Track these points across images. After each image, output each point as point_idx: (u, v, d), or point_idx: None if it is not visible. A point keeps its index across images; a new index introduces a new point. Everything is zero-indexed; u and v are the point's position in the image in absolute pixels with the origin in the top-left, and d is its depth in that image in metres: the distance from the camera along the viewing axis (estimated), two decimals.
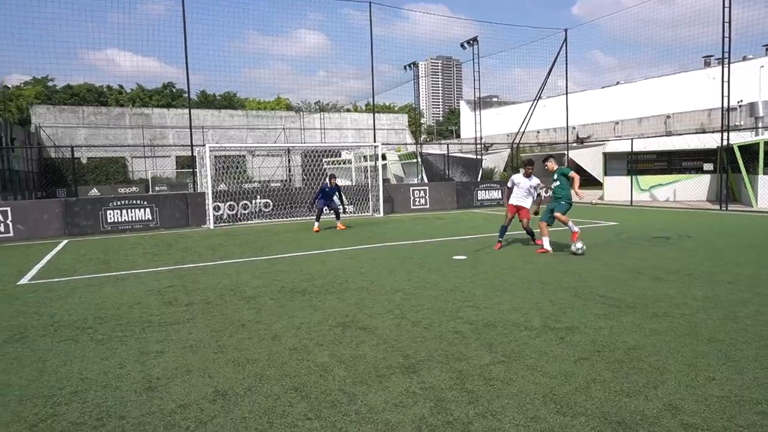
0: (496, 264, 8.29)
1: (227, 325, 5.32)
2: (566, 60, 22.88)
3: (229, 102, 66.02)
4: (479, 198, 21.07)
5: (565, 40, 22.49)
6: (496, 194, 21.46)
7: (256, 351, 4.50)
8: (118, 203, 15.00)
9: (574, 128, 47.55)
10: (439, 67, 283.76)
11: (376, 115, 70.91)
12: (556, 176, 9.53)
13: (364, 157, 37.47)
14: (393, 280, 7.31)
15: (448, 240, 11.41)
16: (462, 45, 28.26)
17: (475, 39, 27.22)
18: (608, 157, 24.49)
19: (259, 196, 16.97)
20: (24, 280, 8.11)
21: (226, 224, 15.99)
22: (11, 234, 13.66)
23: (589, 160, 37.87)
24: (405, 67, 32.11)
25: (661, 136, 34.81)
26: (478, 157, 37.75)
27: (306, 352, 4.44)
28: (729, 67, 17.36)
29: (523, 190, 9.96)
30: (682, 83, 37.13)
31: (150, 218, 15.32)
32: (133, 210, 15.12)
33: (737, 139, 21.45)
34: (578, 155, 37.71)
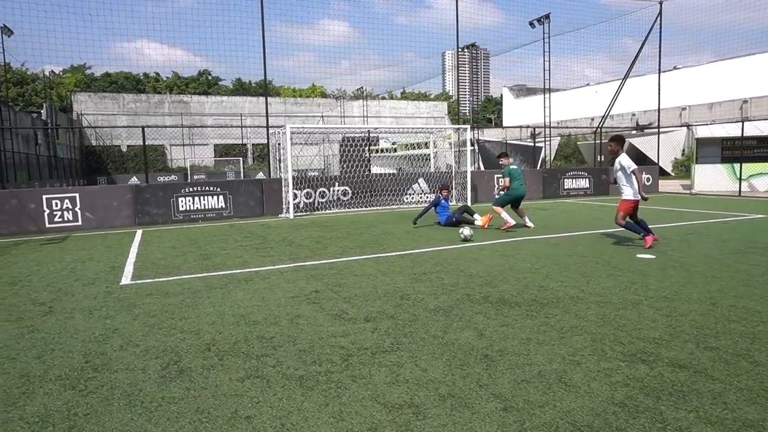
0: (696, 263, 6.57)
1: (458, 354, 3.76)
2: (660, 35, 20.72)
3: (265, 90, 64.81)
4: (566, 187, 19.23)
5: (660, 13, 20.34)
6: (584, 183, 19.59)
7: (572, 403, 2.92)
8: (190, 190, 13.63)
9: (633, 114, 45.07)
10: (467, 57, 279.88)
11: (415, 102, 68.97)
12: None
13: (410, 145, 35.78)
14: (597, 286, 5.67)
15: (589, 234, 9.69)
16: (531, 23, 26.25)
17: (547, 16, 25.19)
18: (700, 143, 22.33)
19: (337, 184, 15.45)
20: (126, 280, 6.70)
21: (305, 213, 14.53)
22: (80, 222, 12.40)
23: (654, 147, 35.59)
24: (463, 49, 30.05)
25: (736, 121, 32.31)
26: (538, 144, 35.74)
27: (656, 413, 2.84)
28: None
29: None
30: (758, 65, 34.43)
31: (223, 206, 13.93)
32: (205, 197, 13.74)
33: None
34: (642, 143, 35.46)
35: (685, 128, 36.98)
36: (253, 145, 53.00)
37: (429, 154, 34.23)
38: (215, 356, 3.92)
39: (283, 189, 14.40)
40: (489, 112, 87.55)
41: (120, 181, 35.97)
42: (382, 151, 37.09)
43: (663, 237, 8.87)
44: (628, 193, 8.12)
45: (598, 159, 25.24)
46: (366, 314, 4.88)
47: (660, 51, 20.76)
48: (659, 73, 21.96)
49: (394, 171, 26.57)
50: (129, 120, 47.10)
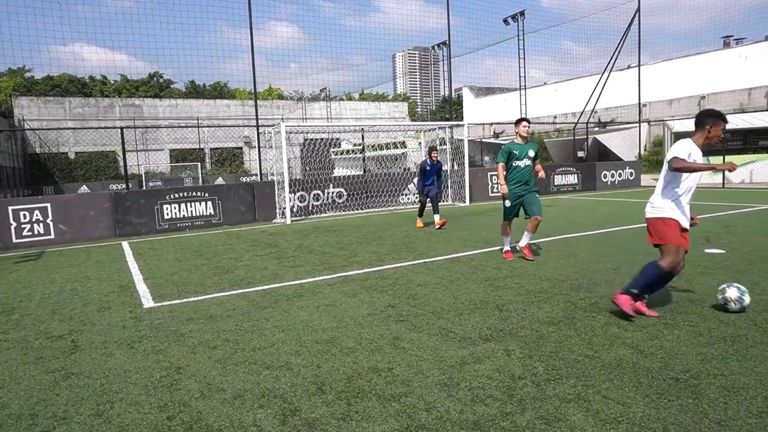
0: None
1: (642, 379, 3.05)
2: (639, 32, 20.84)
3: (219, 92, 62.66)
4: (556, 183, 18.99)
5: (638, 10, 20.44)
6: (572, 179, 19.42)
7: None
8: (176, 196, 12.40)
9: (595, 112, 45.97)
10: (417, 58, 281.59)
11: (375, 103, 68.44)
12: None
13: (386, 145, 35.10)
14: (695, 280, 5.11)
15: (625, 230, 9.25)
16: (505, 20, 26.10)
17: (521, 13, 25.06)
18: (676, 137, 22.67)
19: (331, 185, 14.53)
20: (148, 302, 5.65)
21: (300, 218, 13.53)
22: (53, 236, 10.98)
23: (619, 143, 36.32)
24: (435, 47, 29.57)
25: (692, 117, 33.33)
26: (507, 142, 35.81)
27: None
28: None
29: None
30: (712, 63, 35.68)
31: (212, 213, 12.77)
32: (193, 204, 12.54)
33: None
34: (607, 139, 36.09)
35: (645, 124, 37.97)
36: (211, 149, 51.03)
37: (398, 155, 33.64)
38: (339, 400, 3.06)
39: (276, 193, 13.36)
40: (447, 112, 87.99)
41: (68, 191, 33.48)
42: (349, 152, 36.21)
43: (707, 230, 8.51)
44: None
45: (579, 155, 25.31)
46: (478, 332, 4.11)
47: (639, 45, 20.89)
48: (639, 69, 22.19)
49: (360, 173, 25.79)
50: (76, 125, 44.21)
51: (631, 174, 21.29)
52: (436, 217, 10.54)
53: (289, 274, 6.69)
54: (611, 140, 35.67)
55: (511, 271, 6.27)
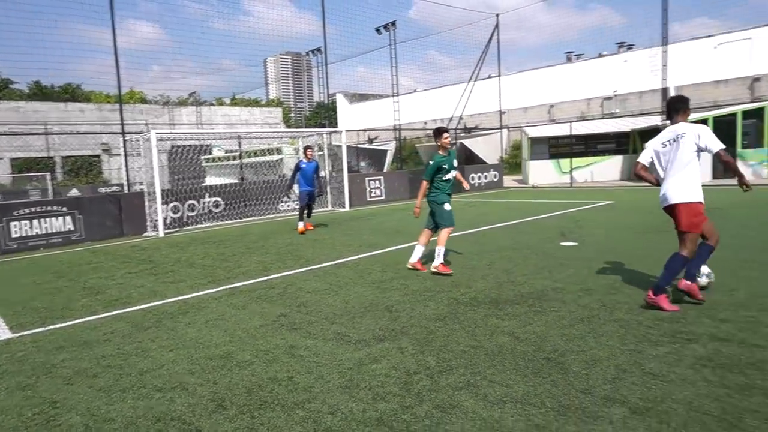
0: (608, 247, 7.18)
1: (520, 361, 3.44)
2: (498, 45, 22.71)
3: (72, 95, 56.79)
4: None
5: (497, 25, 22.30)
6: None
7: None
8: (27, 211, 11.09)
9: (461, 118, 49.05)
10: (289, 63, 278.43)
11: (248, 109, 66.49)
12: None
13: (261, 151, 34.37)
14: (560, 274, 5.80)
15: (493, 228, 10.08)
16: (378, 30, 26.91)
17: (393, 23, 26.04)
18: (532, 142, 25.06)
19: (207, 195, 13.93)
20: (5, 334, 5.04)
21: (174, 230, 12.79)
22: None
23: (483, 147, 39.07)
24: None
25: (545, 123, 37.06)
26: (384, 148, 36.95)
27: None
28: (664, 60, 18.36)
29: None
30: (558, 75, 39.94)
31: (71, 228, 11.60)
32: (47, 219, 11.30)
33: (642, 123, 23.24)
34: (472, 144, 38.74)
35: (505, 130, 41.39)
36: (62, 157, 46.08)
37: (274, 161, 33.08)
38: (241, 414, 3.03)
39: (146, 204, 12.51)
40: (321, 118, 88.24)
41: None
42: (221, 159, 34.88)
43: (562, 226, 9.58)
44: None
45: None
46: (372, 333, 4.28)
47: (499, 58, 22.77)
48: (499, 79, 24.10)
49: (236, 180, 25.05)
50: None
51: (495, 176, 23.12)
52: (307, 222, 10.83)
53: (170, 291, 6.36)
54: (476, 145, 38.32)
55: (396, 273, 6.56)
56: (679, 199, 4.42)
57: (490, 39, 22.15)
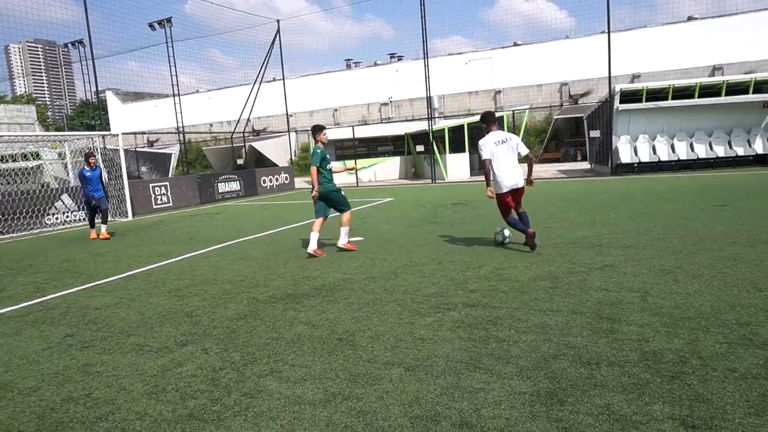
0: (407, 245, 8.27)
1: (318, 346, 3.93)
2: (281, 49, 23.14)
3: None
4: (220, 191, 19.56)
5: (278, 31, 22.72)
6: (235, 185, 20.31)
7: None
8: None
9: (249, 120, 48.29)
10: (40, 53, 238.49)
11: None
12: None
13: (12, 156, 29.36)
14: (349, 266, 6.52)
15: (287, 229, 10.51)
16: (151, 25, 25.11)
17: (168, 20, 24.55)
18: None
19: None
20: None
21: None
22: None
23: (273, 150, 39.52)
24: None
25: (331, 127, 38.98)
26: (168, 152, 34.68)
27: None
28: (427, 69, 20.94)
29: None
30: (341, 81, 42.27)
31: None
32: None
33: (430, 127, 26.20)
34: (262, 146, 38.81)
35: (293, 133, 42.26)
36: None
37: (31, 168, 28.67)
38: None
39: None
40: (87, 117, 78.22)
41: None
42: None
43: None
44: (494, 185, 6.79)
45: (239, 162, 26.42)
46: (174, 339, 4.33)
47: (282, 62, 23.28)
48: (284, 82, 24.60)
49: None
50: None
51: (287, 178, 23.64)
52: (103, 228, 10.57)
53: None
54: (266, 147, 38.48)
55: (193, 279, 6.53)
56: (523, 182, 6.73)
57: (273, 43, 22.53)
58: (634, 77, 32.03)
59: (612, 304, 4.42)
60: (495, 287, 5.21)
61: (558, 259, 6.19)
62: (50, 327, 4.96)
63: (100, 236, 10.64)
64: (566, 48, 34.72)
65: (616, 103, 17.41)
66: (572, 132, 33.62)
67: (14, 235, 12.64)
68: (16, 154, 28.69)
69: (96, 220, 10.69)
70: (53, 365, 3.98)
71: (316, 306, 5.00)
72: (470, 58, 37.88)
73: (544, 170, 23.12)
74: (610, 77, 18.76)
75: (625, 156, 18.12)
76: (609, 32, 18.37)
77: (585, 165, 25.15)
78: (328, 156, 7.55)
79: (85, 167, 10.50)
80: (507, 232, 7.10)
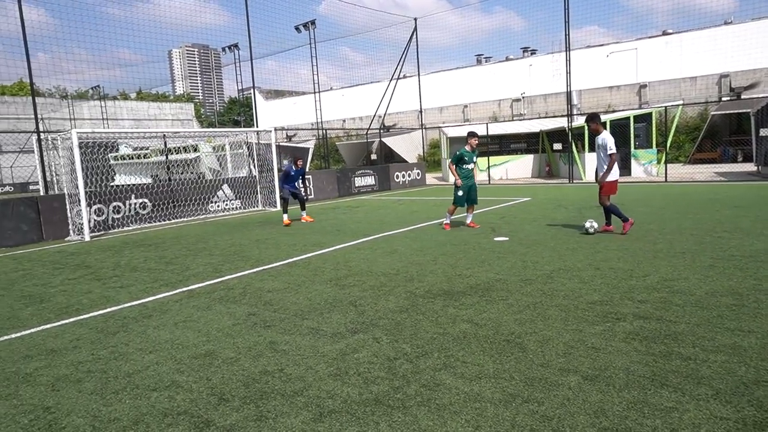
0: (542, 242, 8.04)
1: (486, 346, 3.97)
2: (417, 46, 23.55)
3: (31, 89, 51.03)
4: (357, 185, 20.44)
5: (415, 28, 23.11)
6: (370, 180, 21.09)
7: None
8: None
9: (380, 117, 49.87)
10: (196, 56, 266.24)
11: (157, 104, 63.45)
12: None
13: (175, 149, 33.14)
14: (500, 267, 6.47)
15: (428, 225, 10.70)
16: (297, 28, 26.90)
17: (313, 22, 26.13)
18: (451, 141, 26.22)
19: (133, 196, 13.44)
20: None
21: (99, 233, 12.26)
22: None
23: (403, 146, 40.20)
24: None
25: (462, 124, 38.79)
26: (305, 146, 36.85)
27: None
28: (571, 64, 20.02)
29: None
30: (471, 77, 41.85)
31: None
32: None
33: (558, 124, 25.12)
34: (392, 142, 39.70)
35: (423, 129, 42.80)
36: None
37: (190, 159, 32.00)
38: (246, 404, 3.29)
39: (67, 207, 11.89)
40: (235, 114, 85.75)
41: None
42: (131, 158, 33.20)
43: (491, 222, 10.38)
44: (613, 174, 8.13)
45: (372, 157, 27.35)
46: (344, 327, 4.64)
47: (418, 58, 23.61)
48: (419, 79, 24.93)
49: (149, 180, 24.06)
50: None
51: (419, 174, 24.00)
52: (304, 215, 12.50)
53: (122, 296, 6.30)
54: (396, 143, 39.32)
55: (349, 270, 6.93)
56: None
57: (410, 40, 22.94)
58: None
59: None
60: (667, 299, 4.87)
61: (737, 273, 5.62)
62: (234, 305, 5.58)
63: (302, 220, 12.34)
64: (726, 35, 31.07)
65: None
66: (732, 129, 30.07)
67: (185, 219, 14.32)
68: (179, 147, 32.42)
69: (289, 208, 12.44)
70: (245, 340, 4.47)
71: (475, 305, 5.05)
72: (612, 50, 35.45)
73: (698, 172, 20.98)
74: None
75: None
76: None
77: (748, 167, 22.37)
78: (466, 158, 9.44)
79: (292, 167, 12.15)
80: (593, 223, 8.35)
